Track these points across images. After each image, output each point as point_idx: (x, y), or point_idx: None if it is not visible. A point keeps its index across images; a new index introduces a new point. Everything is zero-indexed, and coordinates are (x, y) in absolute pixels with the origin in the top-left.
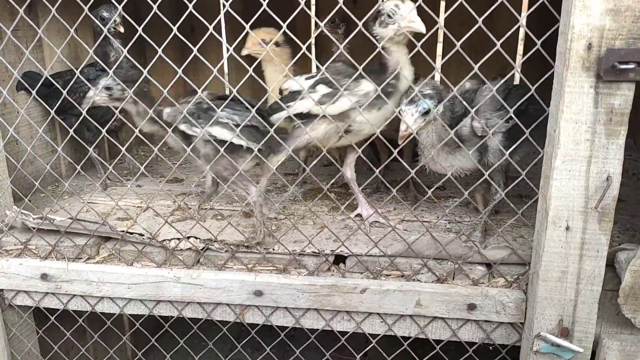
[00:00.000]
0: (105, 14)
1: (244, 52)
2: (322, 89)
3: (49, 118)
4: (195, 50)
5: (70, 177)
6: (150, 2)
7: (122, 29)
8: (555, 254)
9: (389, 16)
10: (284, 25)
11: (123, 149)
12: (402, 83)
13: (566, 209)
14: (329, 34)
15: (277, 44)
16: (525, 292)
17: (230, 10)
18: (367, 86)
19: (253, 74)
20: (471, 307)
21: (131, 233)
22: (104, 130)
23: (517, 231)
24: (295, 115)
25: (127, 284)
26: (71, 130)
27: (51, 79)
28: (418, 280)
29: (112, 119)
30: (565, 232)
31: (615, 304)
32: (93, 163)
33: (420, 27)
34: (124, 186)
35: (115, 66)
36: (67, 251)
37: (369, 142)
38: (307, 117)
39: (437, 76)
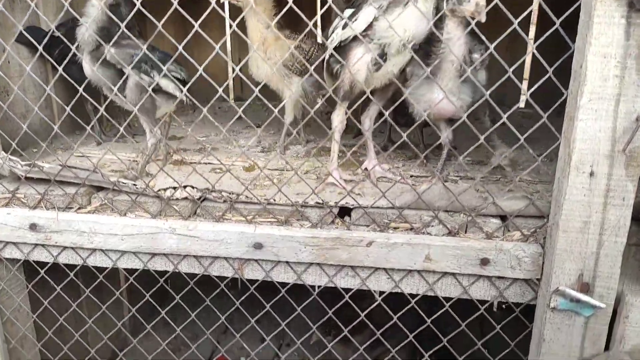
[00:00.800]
0: None
1: (226, 1)
2: (347, 13)
3: (56, 75)
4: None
5: (65, 134)
6: None
7: None
8: (577, 203)
9: None
10: None
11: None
12: None
13: (591, 153)
14: None
15: None
16: (542, 246)
17: None
18: None
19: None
20: (484, 262)
21: (124, 182)
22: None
23: (533, 187)
24: (333, 60)
25: (120, 235)
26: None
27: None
28: (428, 234)
29: None
30: (589, 178)
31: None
32: (89, 116)
33: None
34: (120, 142)
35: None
36: (57, 200)
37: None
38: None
39: None
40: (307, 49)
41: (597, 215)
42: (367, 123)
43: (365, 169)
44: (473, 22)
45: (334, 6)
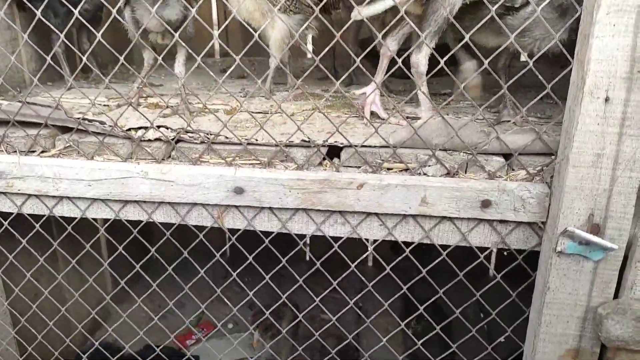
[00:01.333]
0: None
1: None
2: None
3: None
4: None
5: (34, 86)
6: None
7: None
8: (590, 133)
9: None
10: None
11: (88, 51)
12: None
13: (607, 76)
14: None
15: None
16: (549, 186)
17: None
18: None
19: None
20: (485, 204)
21: (90, 120)
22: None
23: (539, 128)
24: None
25: (88, 180)
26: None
27: None
28: (425, 174)
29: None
30: (604, 104)
31: None
32: (58, 61)
33: None
34: (92, 88)
35: None
36: (18, 143)
37: None
38: None
39: None
40: None
41: (611, 147)
42: (394, 45)
43: (363, 93)
44: None
45: None
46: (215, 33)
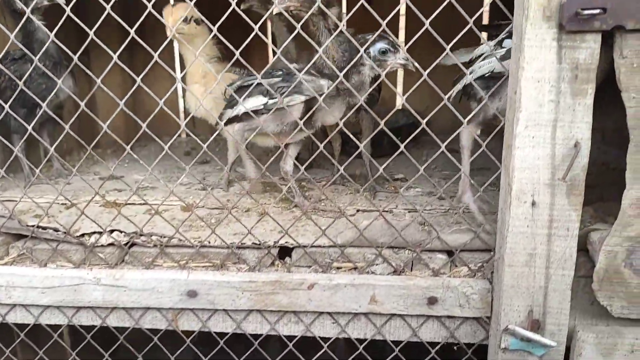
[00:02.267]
0: None
1: (170, 34)
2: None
3: None
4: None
5: None
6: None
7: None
8: (521, 235)
9: None
10: None
11: (52, 149)
12: None
13: (531, 182)
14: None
15: (197, 22)
16: (490, 282)
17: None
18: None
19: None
20: (432, 301)
21: (44, 228)
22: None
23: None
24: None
25: (41, 288)
26: None
27: None
28: (372, 273)
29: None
30: (531, 208)
31: (590, 291)
32: (19, 160)
33: None
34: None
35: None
36: None
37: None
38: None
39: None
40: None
41: (542, 247)
42: (288, 166)
43: (296, 205)
44: None
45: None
46: (183, 123)
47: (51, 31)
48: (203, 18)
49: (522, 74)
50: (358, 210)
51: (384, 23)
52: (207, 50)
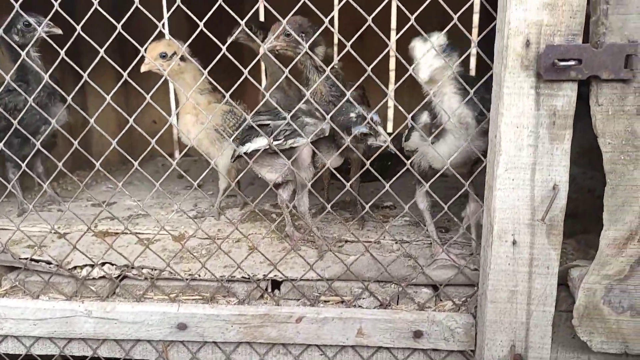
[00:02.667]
0: (31, 20)
1: (143, 69)
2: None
3: None
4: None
5: None
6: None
7: (58, 31)
8: (502, 272)
9: None
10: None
11: (46, 184)
12: None
13: (512, 222)
14: (270, 55)
15: (182, 59)
16: (474, 316)
17: (162, 29)
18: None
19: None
20: (417, 334)
21: (37, 261)
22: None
23: (468, 248)
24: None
25: (33, 319)
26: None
27: None
28: (359, 306)
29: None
30: (512, 247)
31: (570, 326)
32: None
33: None
34: (44, 211)
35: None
36: None
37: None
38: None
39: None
40: (239, 115)
41: (524, 285)
42: (286, 194)
43: (287, 235)
44: None
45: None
46: (175, 160)
47: (44, 60)
48: (188, 57)
49: (502, 119)
50: (346, 241)
51: (368, 69)
52: (194, 85)
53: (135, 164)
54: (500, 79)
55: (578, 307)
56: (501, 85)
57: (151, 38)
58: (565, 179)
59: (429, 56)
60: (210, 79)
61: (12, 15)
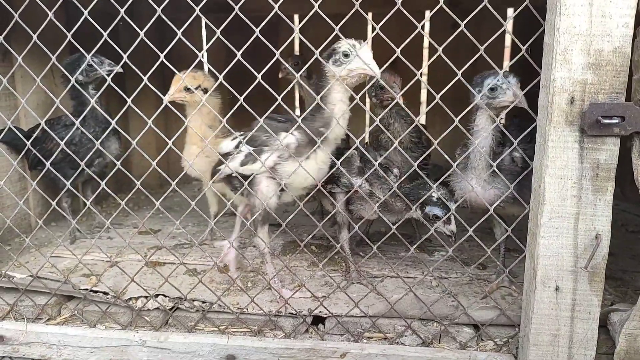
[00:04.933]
0: (94, 60)
1: (167, 99)
2: (245, 149)
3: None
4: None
5: (39, 228)
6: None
7: (119, 69)
8: (545, 316)
9: (345, 55)
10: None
11: (88, 203)
12: (333, 132)
13: (555, 269)
14: (304, 84)
15: (205, 91)
16: (515, 357)
17: (202, 59)
18: (288, 138)
19: (226, 125)
20: None
21: (95, 291)
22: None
23: (505, 289)
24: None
25: (89, 347)
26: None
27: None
28: (402, 344)
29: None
30: (555, 292)
31: None
32: (64, 212)
33: (375, 70)
34: (90, 238)
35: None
36: (26, 311)
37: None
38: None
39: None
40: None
41: (566, 329)
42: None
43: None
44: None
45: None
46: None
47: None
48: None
49: (546, 170)
50: (385, 276)
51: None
52: (207, 118)
53: (173, 184)
54: (545, 132)
55: (619, 351)
56: (546, 139)
57: (190, 67)
58: (607, 228)
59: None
60: (220, 117)
61: (75, 56)
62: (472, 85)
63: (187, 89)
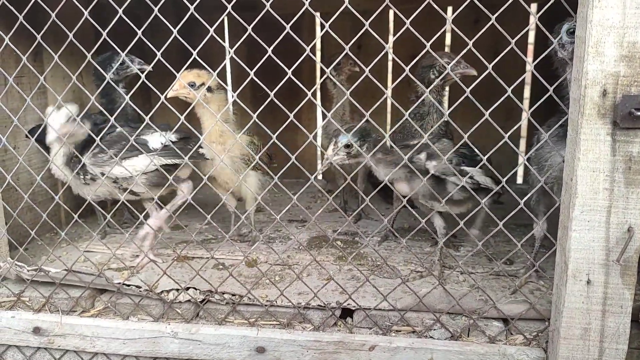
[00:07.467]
0: (126, 59)
1: (169, 95)
2: None
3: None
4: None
5: (73, 223)
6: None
7: (149, 68)
8: (576, 310)
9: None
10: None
11: (122, 198)
12: None
13: (586, 262)
14: (333, 79)
15: (209, 89)
16: (545, 351)
17: (234, 56)
18: None
19: (257, 120)
20: None
21: (128, 285)
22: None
23: (533, 284)
24: None
25: (122, 339)
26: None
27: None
28: (430, 337)
29: None
30: (587, 286)
31: None
32: (93, 210)
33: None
34: (123, 234)
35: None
36: (61, 303)
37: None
38: None
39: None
40: (258, 144)
41: (597, 323)
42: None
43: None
44: None
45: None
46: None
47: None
48: (224, 84)
49: (578, 163)
50: (412, 271)
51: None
52: (221, 114)
53: (204, 178)
54: (577, 125)
55: None
56: (578, 132)
57: (220, 67)
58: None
59: None
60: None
61: (107, 54)
62: (553, 36)
63: (191, 85)
